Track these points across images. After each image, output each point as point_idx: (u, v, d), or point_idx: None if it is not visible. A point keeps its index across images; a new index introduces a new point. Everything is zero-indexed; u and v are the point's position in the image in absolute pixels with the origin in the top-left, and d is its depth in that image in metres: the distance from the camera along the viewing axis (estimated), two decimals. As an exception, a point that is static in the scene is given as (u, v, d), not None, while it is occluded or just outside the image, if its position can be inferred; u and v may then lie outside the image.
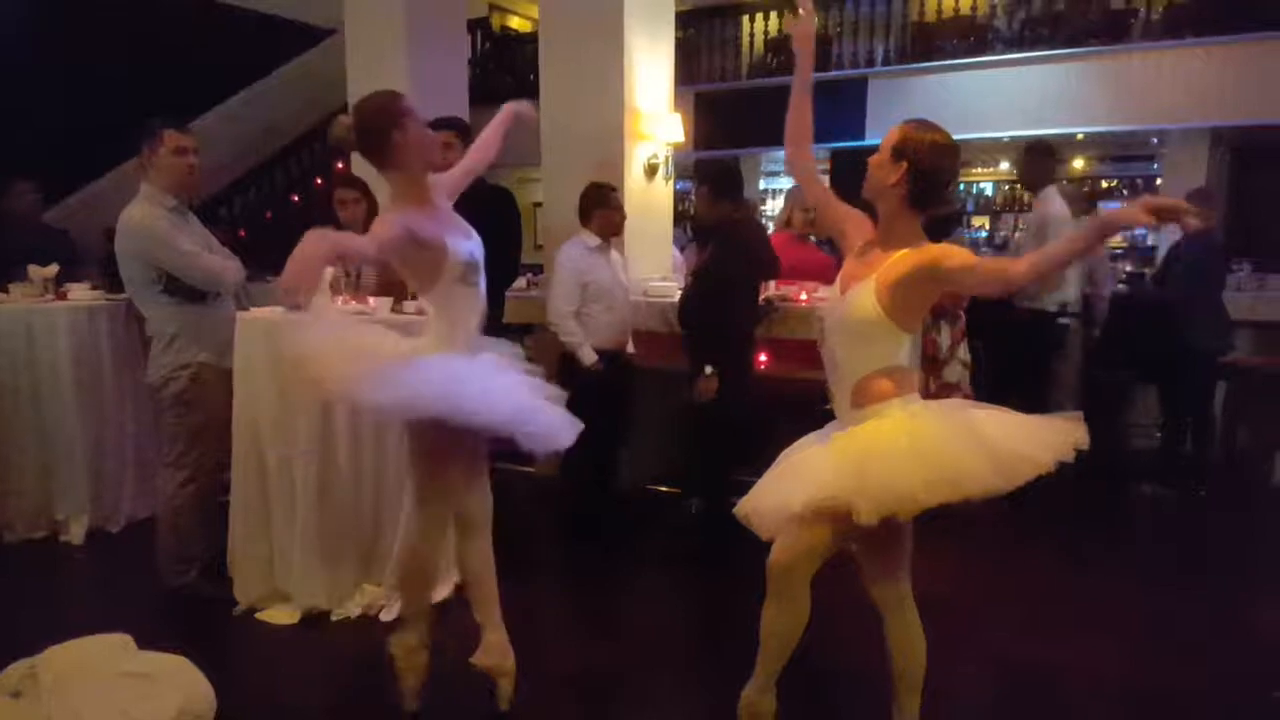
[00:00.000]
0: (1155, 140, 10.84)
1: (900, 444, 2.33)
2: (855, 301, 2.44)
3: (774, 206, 12.97)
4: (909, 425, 2.38)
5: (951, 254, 2.35)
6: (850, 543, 2.54)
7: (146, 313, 3.87)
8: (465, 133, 4.30)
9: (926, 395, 4.86)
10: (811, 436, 2.63)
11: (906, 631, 2.63)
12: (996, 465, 2.25)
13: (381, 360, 2.61)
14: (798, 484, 2.40)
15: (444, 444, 2.78)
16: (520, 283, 5.79)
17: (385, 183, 2.79)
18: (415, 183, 2.77)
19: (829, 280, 4.69)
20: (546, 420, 2.73)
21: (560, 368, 4.90)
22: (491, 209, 4.39)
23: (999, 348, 5.26)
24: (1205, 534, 5.08)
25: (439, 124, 4.35)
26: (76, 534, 4.72)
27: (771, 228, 6.39)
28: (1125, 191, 12.18)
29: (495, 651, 3.05)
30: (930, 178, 2.43)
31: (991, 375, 5.08)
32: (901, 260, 2.37)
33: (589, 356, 4.64)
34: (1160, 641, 3.66)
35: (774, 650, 2.60)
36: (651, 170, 6.01)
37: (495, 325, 4.53)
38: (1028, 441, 2.32)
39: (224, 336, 3.77)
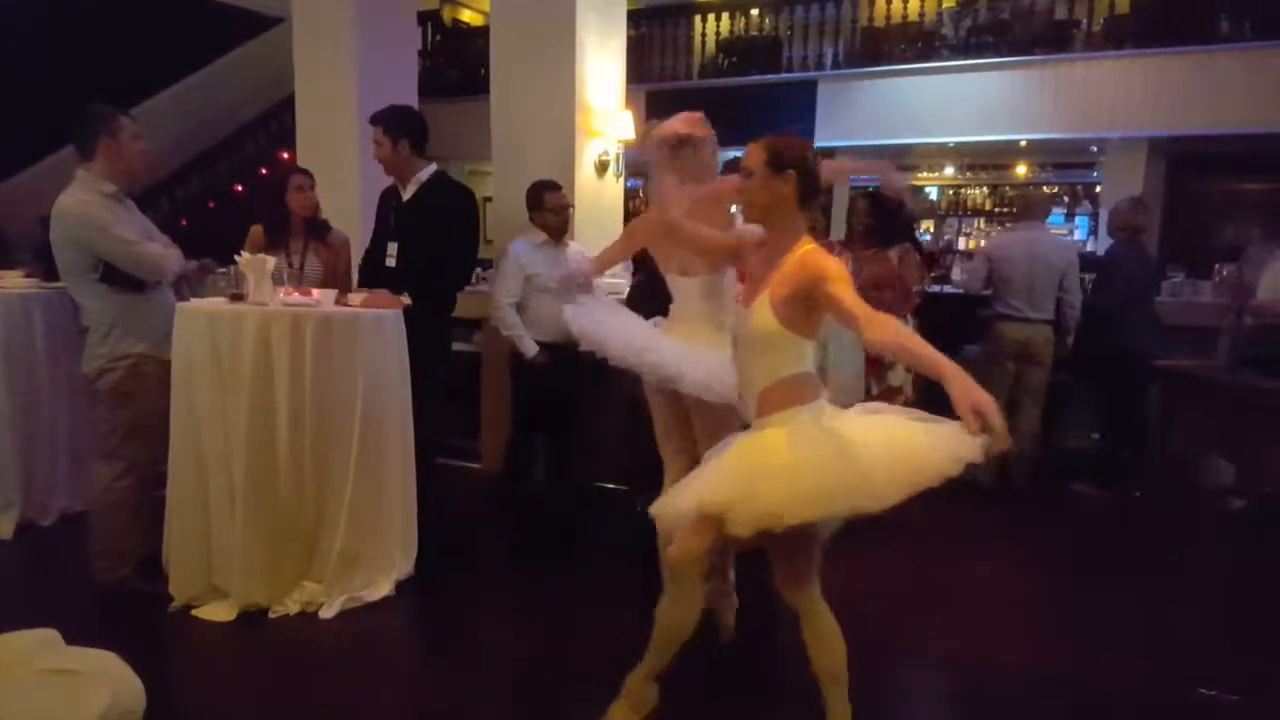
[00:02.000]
0: (1095, 148, 11.07)
1: (783, 458, 2.39)
2: (755, 315, 2.52)
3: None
4: (798, 439, 2.43)
5: (831, 277, 2.38)
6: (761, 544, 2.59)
7: (82, 302, 3.77)
8: (394, 125, 4.26)
9: (870, 398, 4.98)
10: (732, 439, 2.67)
11: (821, 633, 2.67)
12: (885, 479, 2.30)
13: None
14: (694, 486, 2.52)
15: None
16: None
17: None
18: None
19: None
20: None
21: (511, 360, 4.89)
22: (458, 206, 4.36)
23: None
24: (1140, 534, 5.18)
25: (374, 118, 4.32)
26: (6, 528, 4.58)
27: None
28: (1065, 198, 12.43)
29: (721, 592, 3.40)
30: (814, 175, 2.53)
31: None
32: (790, 275, 2.44)
33: (530, 348, 4.67)
34: (1094, 639, 3.73)
35: (665, 642, 2.70)
36: (602, 167, 6.01)
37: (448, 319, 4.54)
38: (927, 452, 2.35)
39: (163, 327, 3.68)
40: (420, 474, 4.02)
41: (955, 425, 2.48)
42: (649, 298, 4.38)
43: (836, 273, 2.39)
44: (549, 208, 4.79)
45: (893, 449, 2.37)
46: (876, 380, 5.05)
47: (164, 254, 3.81)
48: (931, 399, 6.37)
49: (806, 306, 2.44)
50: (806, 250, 2.47)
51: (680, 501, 2.53)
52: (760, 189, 2.53)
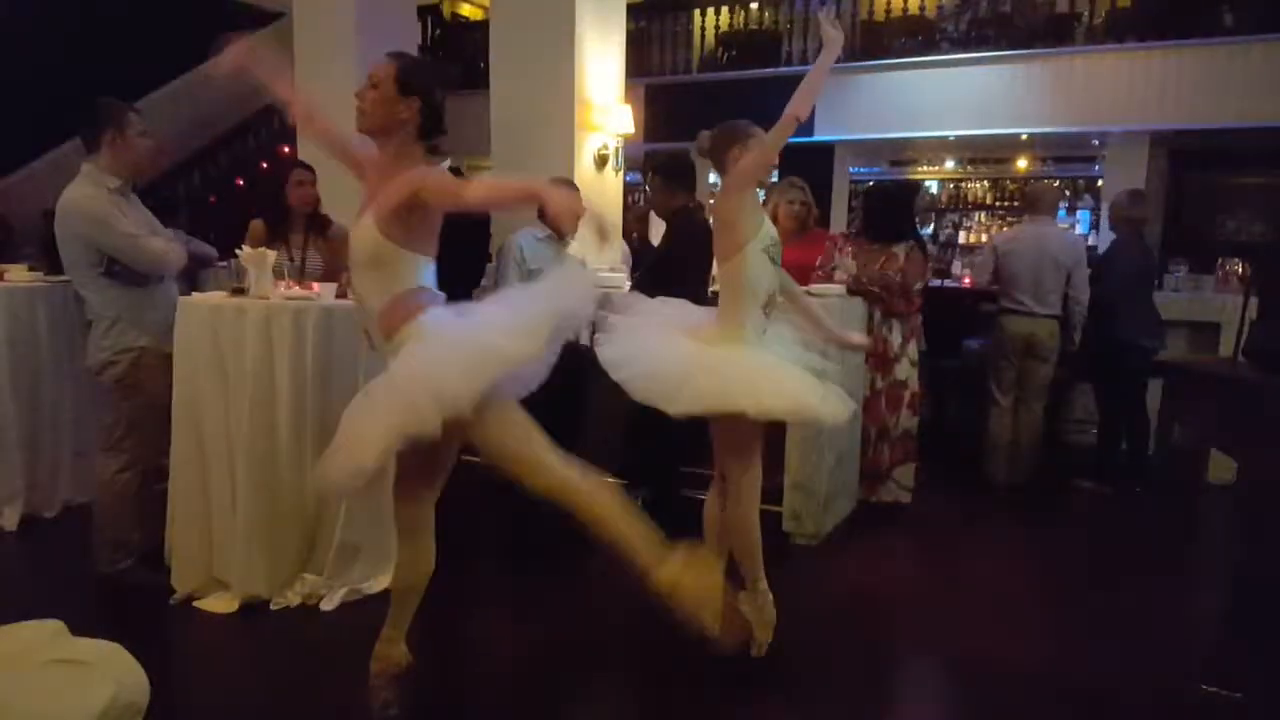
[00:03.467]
0: (1097, 142, 11.05)
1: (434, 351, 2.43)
2: (359, 234, 2.54)
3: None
4: (434, 333, 2.47)
5: (429, 181, 2.46)
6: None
7: (87, 295, 3.80)
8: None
9: (875, 392, 4.99)
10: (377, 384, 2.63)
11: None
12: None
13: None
14: (366, 440, 2.40)
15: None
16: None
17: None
18: None
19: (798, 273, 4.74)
20: None
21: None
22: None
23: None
24: (1141, 530, 5.18)
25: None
26: (10, 519, 4.62)
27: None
28: (1067, 192, 12.41)
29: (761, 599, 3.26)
30: (438, 109, 2.55)
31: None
32: (395, 189, 2.46)
33: None
34: (1095, 636, 3.73)
35: (403, 598, 2.89)
36: (601, 161, 6.03)
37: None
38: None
39: (166, 321, 3.72)
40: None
41: None
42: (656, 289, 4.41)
43: (435, 177, 2.49)
44: None
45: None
46: (884, 374, 5.05)
47: (167, 248, 3.83)
48: (935, 396, 6.36)
49: (413, 217, 2.47)
50: (416, 171, 2.50)
51: (362, 457, 2.36)
52: (380, 104, 2.55)
